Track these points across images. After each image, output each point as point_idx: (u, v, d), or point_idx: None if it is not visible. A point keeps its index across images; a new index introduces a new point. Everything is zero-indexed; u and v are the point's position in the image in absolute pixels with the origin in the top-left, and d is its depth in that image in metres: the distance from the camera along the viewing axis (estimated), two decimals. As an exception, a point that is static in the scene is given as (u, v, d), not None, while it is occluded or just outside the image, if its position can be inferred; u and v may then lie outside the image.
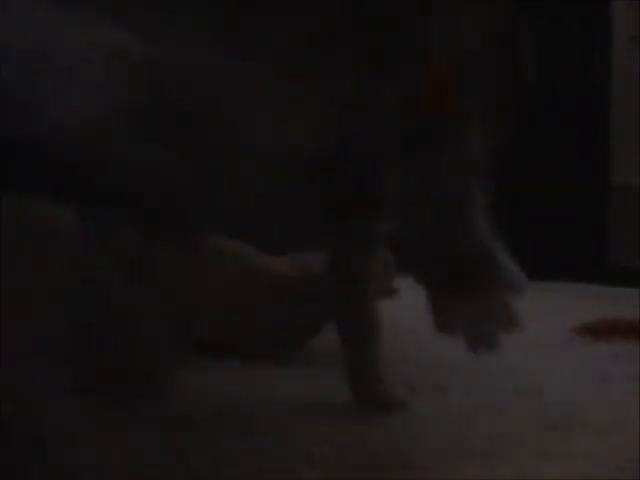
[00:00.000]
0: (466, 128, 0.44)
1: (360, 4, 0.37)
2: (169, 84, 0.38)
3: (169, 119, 0.40)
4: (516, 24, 0.66)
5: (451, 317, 0.49)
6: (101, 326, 0.50)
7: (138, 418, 0.46)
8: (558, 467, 0.41)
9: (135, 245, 0.51)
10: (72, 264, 0.58)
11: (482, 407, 0.55)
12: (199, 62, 0.36)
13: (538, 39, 0.65)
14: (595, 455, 0.44)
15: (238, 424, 0.50)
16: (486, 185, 0.50)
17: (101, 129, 0.39)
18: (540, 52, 0.62)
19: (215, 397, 0.57)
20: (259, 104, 0.36)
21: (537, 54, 0.62)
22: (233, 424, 0.50)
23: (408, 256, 0.52)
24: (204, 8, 0.35)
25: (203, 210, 0.47)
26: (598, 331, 0.90)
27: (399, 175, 0.45)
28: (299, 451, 0.44)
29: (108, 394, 0.47)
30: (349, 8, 0.36)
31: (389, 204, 0.49)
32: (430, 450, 0.44)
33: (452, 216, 0.49)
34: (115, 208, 0.49)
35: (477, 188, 0.50)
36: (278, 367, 0.68)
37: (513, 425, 0.50)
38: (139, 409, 0.48)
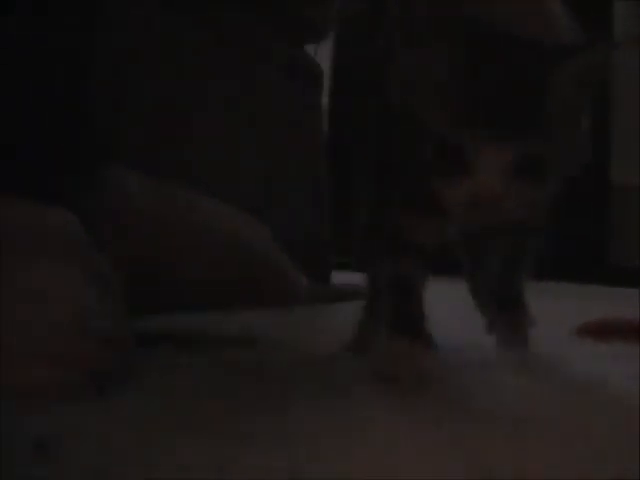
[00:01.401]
0: None
1: None
2: None
3: None
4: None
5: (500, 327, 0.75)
6: None
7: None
8: (558, 467, 0.41)
9: None
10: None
11: (482, 406, 0.55)
12: None
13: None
14: (595, 455, 0.44)
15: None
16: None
17: None
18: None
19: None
20: None
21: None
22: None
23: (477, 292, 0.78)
24: None
25: None
26: (598, 331, 0.90)
27: None
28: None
29: None
30: None
31: None
32: (431, 450, 0.44)
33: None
34: None
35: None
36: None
37: (513, 425, 0.50)
38: None
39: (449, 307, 0.90)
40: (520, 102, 0.51)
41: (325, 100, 1.60)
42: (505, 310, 0.74)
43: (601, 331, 0.90)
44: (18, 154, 0.69)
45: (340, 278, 1.44)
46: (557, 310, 1.32)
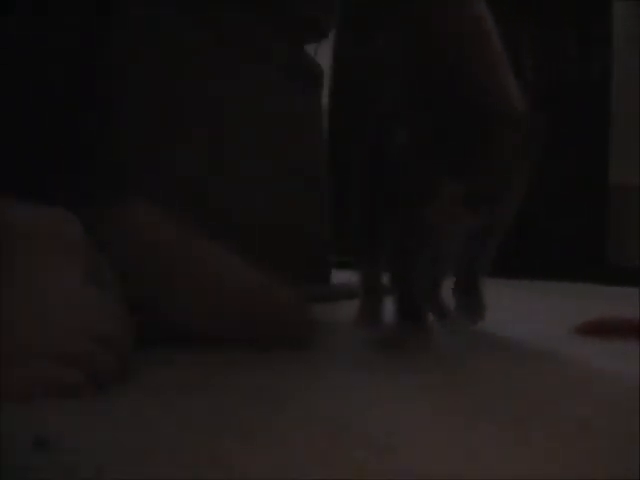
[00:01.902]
0: None
1: None
2: None
3: None
4: (516, 24, 0.69)
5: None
6: None
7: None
8: (558, 467, 0.41)
9: None
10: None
11: (482, 407, 0.55)
12: None
13: (538, 39, 0.66)
14: (595, 455, 0.44)
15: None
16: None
17: None
18: (540, 52, 0.64)
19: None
20: None
21: (537, 54, 0.64)
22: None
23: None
24: None
25: None
26: (597, 331, 0.90)
27: None
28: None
29: None
30: None
31: None
32: (430, 451, 0.44)
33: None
34: None
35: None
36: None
37: (513, 425, 0.50)
38: None
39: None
40: (470, 153, 0.70)
41: (325, 100, 1.60)
42: (465, 295, 0.91)
43: (600, 330, 0.90)
44: (18, 154, 0.69)
45: (340, 278, 1.44)
46: (557, 309, 1.32)
